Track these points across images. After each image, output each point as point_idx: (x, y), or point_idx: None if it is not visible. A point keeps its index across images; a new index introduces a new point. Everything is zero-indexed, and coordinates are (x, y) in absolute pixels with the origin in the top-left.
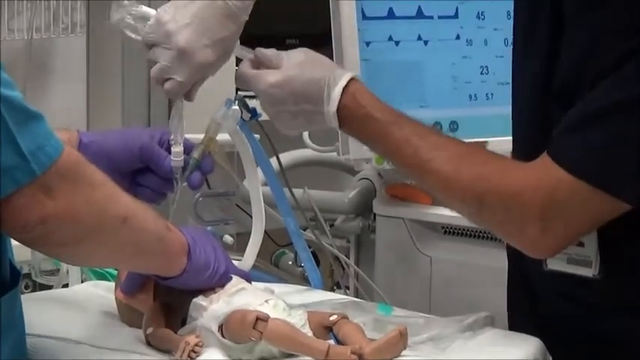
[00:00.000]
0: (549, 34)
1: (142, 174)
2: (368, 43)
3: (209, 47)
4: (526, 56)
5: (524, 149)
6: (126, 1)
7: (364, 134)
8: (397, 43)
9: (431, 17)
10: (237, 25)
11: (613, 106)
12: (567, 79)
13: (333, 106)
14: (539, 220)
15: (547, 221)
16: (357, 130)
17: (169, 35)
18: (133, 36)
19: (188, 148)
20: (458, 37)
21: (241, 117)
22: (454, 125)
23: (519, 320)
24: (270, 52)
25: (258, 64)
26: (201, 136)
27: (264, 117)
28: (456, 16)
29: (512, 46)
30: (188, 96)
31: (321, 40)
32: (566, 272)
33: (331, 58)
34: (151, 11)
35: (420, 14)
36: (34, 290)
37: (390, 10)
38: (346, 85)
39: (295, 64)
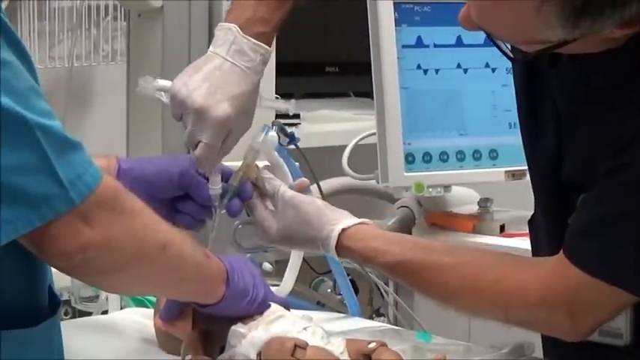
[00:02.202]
0: (553, 134)
1: (181, 201)
2: (407, 72)
3: (224, 102)
4: (534, 150)
5: (545, 209)
6: (147, 77)
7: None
8: (437, 71)
9: (470, 46)
10: (250, 84)
11: (619, 216)
12: (572, 176)
13: (337, 258)
14: (569, 320)
15: (576, 317)
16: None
17: (184, 101)
18: (165, 101)
19: (227, 175)
20: (497, 66)
21: (279, 142)
22: (494, 153)
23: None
24: (269, 185)
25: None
26: (240, 163)
27: (303, 143)
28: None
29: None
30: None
31: (360, 68)
32: (598, 342)
33: (370, 86)
34: (167, 83)
35: (459, 43)
36: (73, 317)
37: (430, 39)
38: (339, 239)
39: (288, 223)
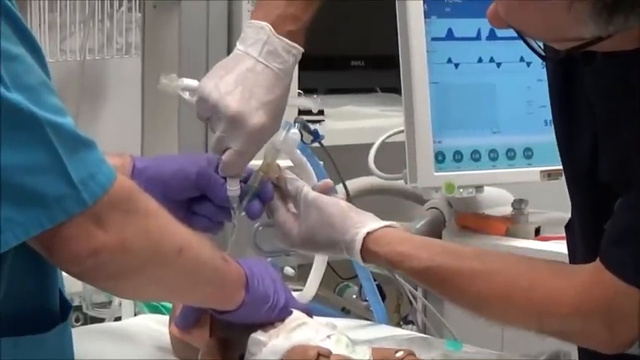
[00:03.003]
0: (588, 133)
1: (198, 202)
2: (437, 66)
3: (259, 109)
4: (568, 150)
5: (580, 209)
6: (171, 76)
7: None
8: (468, 65)
9: (504, 38)
10: (283, 88)
11: None
12: (609, 177)
13: (362, 263)
14: (605, 330)
15: (613, 327)
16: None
17: (217, 106)
18: (187, 98)
19: (246, 176)
20: (533, 60)
21: (302, 140)
22: (529, 152)
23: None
24: (291, 186)
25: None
26: (260, 162)
27: (327, 140)
28: None
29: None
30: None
31: (387, 62)
32: (635, 355)
33: (398, 81)
34: (193, 82)
35: (492, 35)
36: (85, 323)
37: (462, 31)
38: (364, 243)
39: (310, 226)
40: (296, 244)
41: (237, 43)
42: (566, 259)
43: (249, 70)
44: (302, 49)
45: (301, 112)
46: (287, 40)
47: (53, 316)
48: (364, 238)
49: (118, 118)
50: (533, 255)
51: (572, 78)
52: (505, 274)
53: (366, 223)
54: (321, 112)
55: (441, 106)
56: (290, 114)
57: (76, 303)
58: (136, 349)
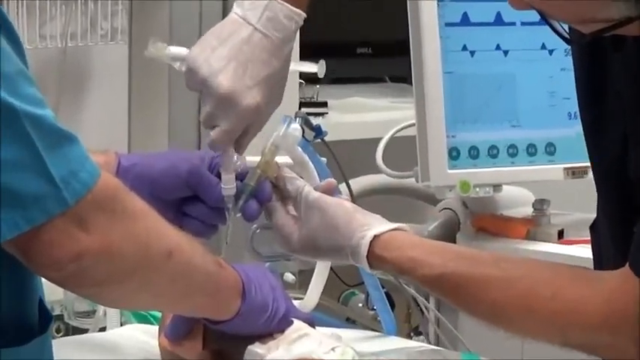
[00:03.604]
0: (618, 126)
1: (189, 203)
2: (451, 53)
3: (253, 88)
4: (596, 144)
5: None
6: (159, 44)
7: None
8: (486, 53)
9: (524, 24)
10: (282, 59)
11: None
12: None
13: (368, 269)
14: (634, 344)
15: None
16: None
17: (206, 82)
18: (177, 67)
19: (242, 174)
20: (555, 47)
21: (303, 136)
22: (551, 148)
23: None
24: (291, 186)
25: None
26: (257, 159)
27: (331, 136)
28: None
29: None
30: (238, 147)
31: (397, 49)
32: None
33: (408, 70)
34: (182, 51)
35: (511, 20)
36: (66, 334)
37: (478, 16)
38: (370, 248)
39: (312, 229)
40: (296, 249)
41: (235, 5)
42: (592, 266)
43: (245, 42)
44: (304, 14)
45: (303, 105)
46: (289, 5)
47: (32, 327)
48: (371, 242)
49: (103, 110)
50: (556, 260)
51: (600, 66)
52: (525, 281)
53: (372, 226)
54: (324, 104)
55: (456, 97)
56: (290, 107)
57: (56, 312)
58: None
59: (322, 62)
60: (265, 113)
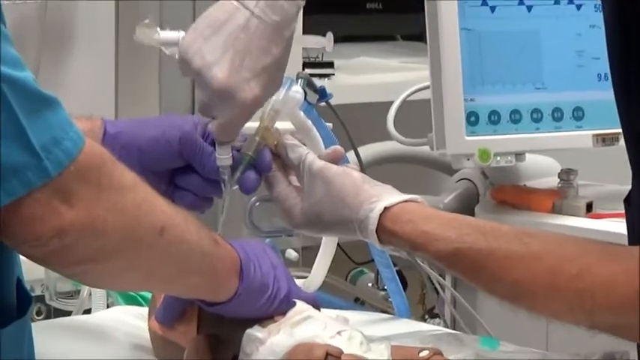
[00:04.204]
0: None
1: (182, 174)
2: (469, 9)
3: (251, 80)
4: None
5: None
6: (149, 29)
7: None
8: (507, 8)
9: None
10: (282, 44)
11: None
12: None
13: (378, 245)
14: None
15: None
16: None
17: (200, 75)
18: (168, 52)
19: (239, 142)
20: (584, 1)
21: (306, 99)
22: (579, 112)
23: None
24: (293, 154)
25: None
26: (255, 125)
27: (337, 99)
28: None
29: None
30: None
31: (409, 4)
32: None
33: (422, 27)
34: (173, 36)
35: None
36: (47, 317)
37: None
38: (380, 221)
39: (316, 202)
40: (299, 223)
41: None
42: (625, 241)
43: (242, 29)
44: None
45: (307, 65)
46: None
47: (9, 309)
48: (380, 215)
49: (87, 72)
50: (584, 235)
51: (634, 22)
52: (549, 257)
53: (382, 197)
54: (330, 65)
55: (474, 57)
56: (292, 67)
57: (37, 293)
58: (109, 347)
59: (330, 36)
60: (264, 102)
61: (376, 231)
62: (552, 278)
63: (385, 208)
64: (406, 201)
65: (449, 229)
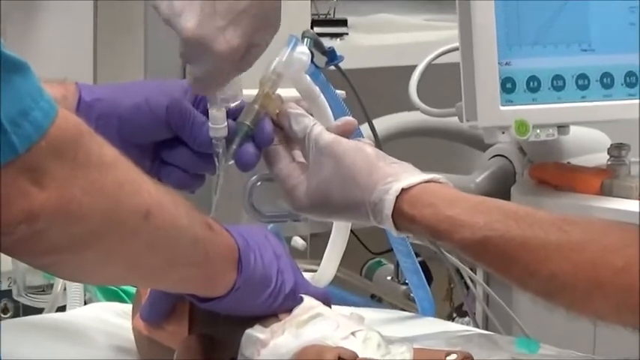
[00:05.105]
0: None
1: (169, 147)
2: None
3: (227, 28)
4: None
5: None
6: None
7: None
8: None
9: None
10: None
11: None
12: None
13: (394, 232)
14: None
15: None
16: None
17: (170, 24)
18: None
19: (236, 110)
20: None
21: (313, 62)
22: (631, 78)
23: None
24: (298, 125)
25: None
26: (255, 91)
27: (350, 62)
28: None
29: None
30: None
31: None
32: None
33: None
34: None
35: None
36: (16, 315)
37: None
38: (397, 205)
39: (323, 181)
40: (304, 205)
41: None
42: None
43: None
44: None
45: (316, 23)
46: None
47: None
48: (397, 198)
49: (61, 30)
50: (637, 221)
51: None
52: (591, 248)
53: (400, 177)
54: (342, 23)
55: (511, 14)
56: (297, 24)
57: (4, 287)
58: (87, 350)
59: None
60: (254, 51)
61: (392, 216)
62: (595, 272)
63: (403, 190)
64: (427, 181)
65: (476, 214)
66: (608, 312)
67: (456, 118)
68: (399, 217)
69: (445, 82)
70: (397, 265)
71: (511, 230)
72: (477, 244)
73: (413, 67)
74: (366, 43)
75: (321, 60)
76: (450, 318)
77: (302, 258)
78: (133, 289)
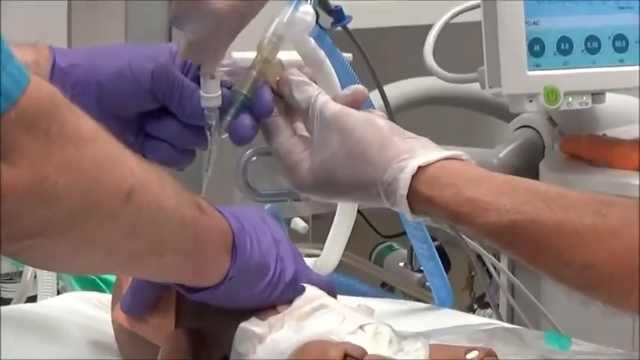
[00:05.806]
0: None
1: (155, 119)
2: None
3: None
4: None
5: None
6: None
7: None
8: None
9: None
10: None
11: None
12: None
13: (409, 215)
14: None
15: None
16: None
17: None
18: None
19: (231, 77)
20: None
21: (317, 23)
22: None
23: None
24: (300, 94)
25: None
26: (252, 55)
27: (358, 22)
28: None
29: None
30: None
31: None
32: None
33: None
34: None
35: None
36: None
37: None
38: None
39: (329, 157)
40: (306, 184)
41: None
42: None
43: None
44: None
45: None
46: None
47: None
48: (413, 177)
49: None
50: None
51: None
52: (630, 232)
53: (416, 153)
54: None
55: None
56: None
57: None
58: (60, 345)
59: None
60: (250, 10)
61: (407, 197)
62: (632, 261)
63: (419, 168)
64: (447, 158)
65: (502, 195)
66: None
67: (476, 85)
68: (415, 198)
69: (465, 43)
70: (411, 250)
71: (542, 213)
72: (504, 228)
73: (429, 27)
74: (376, 1)
75: (327, 20)
76: (471, 310)
77: (303, 242)
78: (112, 278)
